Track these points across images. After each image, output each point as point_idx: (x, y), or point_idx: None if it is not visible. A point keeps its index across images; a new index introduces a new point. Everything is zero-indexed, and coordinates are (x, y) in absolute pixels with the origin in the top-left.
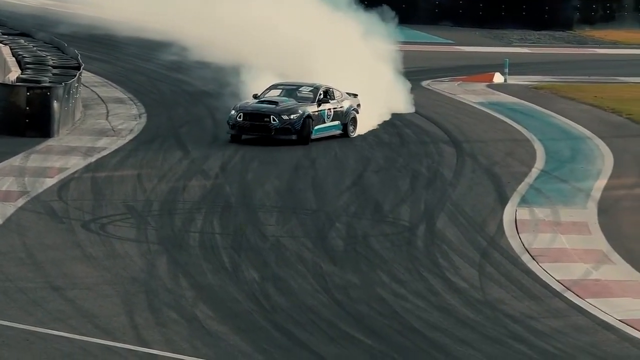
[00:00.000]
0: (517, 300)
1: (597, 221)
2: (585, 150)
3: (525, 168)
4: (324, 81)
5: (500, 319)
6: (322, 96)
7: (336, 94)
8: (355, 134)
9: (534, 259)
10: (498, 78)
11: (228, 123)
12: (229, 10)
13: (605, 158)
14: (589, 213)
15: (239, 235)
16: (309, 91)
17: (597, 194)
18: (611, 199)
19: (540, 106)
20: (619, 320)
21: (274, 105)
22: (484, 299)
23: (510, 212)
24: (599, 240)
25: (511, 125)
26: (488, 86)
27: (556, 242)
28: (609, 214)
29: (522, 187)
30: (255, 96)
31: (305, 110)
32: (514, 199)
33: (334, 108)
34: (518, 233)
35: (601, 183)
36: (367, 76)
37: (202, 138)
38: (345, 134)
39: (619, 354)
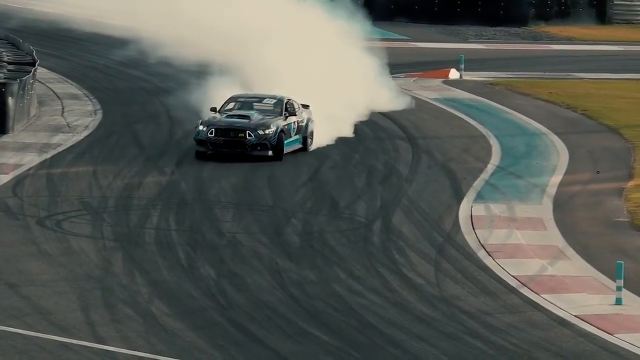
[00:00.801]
0: (473, 296)
1: (553, 217)
2: (540, 146)
3: (480, 164)
4: (287, 88)
5: (456, 315)
6: (287, 109)
7: (295, 106)
8: (312, 148)
9: (489, 254)
10: (454, 74)
11: (196, 139)
12: (191, 5)
13: (560, 154)
14: (545, 209)
15: (195, 232)
16: (273, 104)
17: (552, 189)
18: (566, 195)
19: (496, 102)
20: (574, 315)
21: (246, 120)
22: (440, 295)
23: (466, 208)
24: (554, 236)
25: (467, 122)
26: (444, 82)
27: (512, 238)
28: (564, 209)
29: (478, 183)
30: (214, 109)
31: (278, 124)
32: (470, 195)
33: (297, 121)
34: (474, 229)
35: (556, 179)
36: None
37: (157, 135)
38: (304, 147)
39: (574, 349)
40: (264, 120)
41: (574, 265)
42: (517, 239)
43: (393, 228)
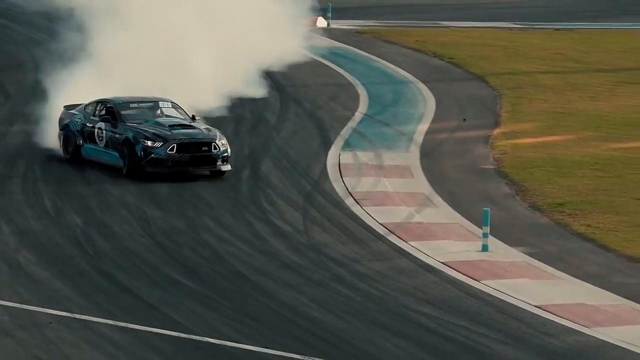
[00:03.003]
0: (341, 244)
1: (420, 165)
2: (407, 94)
3: (348, 112)
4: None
5: (324, 262)
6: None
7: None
8: None
9: (357, 202)
10: (321, 22)
11: (151, 160)
12: None
13: (427, 102)
14: (412, 157)
15: (62, 181)
16: (172, 107)
17: (419, 137)
18: (433, 143)
19: (364, 50)
20: (441, 262)
21: (198, 130)
22: (308, 243)
23: (334, 156)
24: (421, 184)
25: (334, 70)
26: (311, 31)
27: (379, 185)
28: (431, 157)
29: (346, 131)
30: (70, 108)
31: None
32: (338, 143)
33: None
34: (342, 177)
35: (423, 127)
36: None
37: (24, 83)
38: None
39: (440, 295)
40: (212, 130)
41: (441, 213)
42: (384, 187)
43: (262, 176)
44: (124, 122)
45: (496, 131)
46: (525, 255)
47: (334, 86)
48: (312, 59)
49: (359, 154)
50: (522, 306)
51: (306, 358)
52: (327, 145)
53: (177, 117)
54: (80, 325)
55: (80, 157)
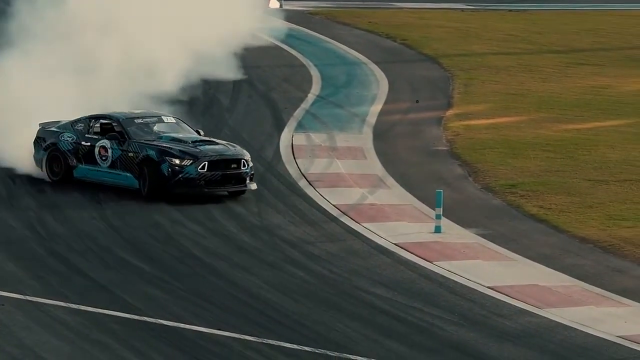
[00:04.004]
0: (294, 226)
1: (373, 146)
2: (360, 76)
3: (301, 93)
4: None
5: (277, 244)
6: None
7: None
8: None
9: (310, 184)
10: (274, 4)
11: (180, 180)
12: None
13: (380, 83)
14: (365, 138)
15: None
16: (175, 122)
17: (372, 119)
18: (386, 124)
19: (316, 32)
20: (394, 243)
21: (223, 146)
22: (261, 225)
23: (287, 137)
24: (374, 165)
25: (287, 51)
26: (264, 12)
27: (332, 167)
28: (384, 138)
29: (299, 113)
30: (75, 130)
31: None
32: (291, 125)
33: None
34: (295, 158)
35: (376, 108)
36: None
37: None
38: None
39: (393, 277)
40: (235, 146)
41: (394, 194)
42: (337, 168)
43: None
44: (134, 140)
45: (449, 113)
46: (478, 237)
47: (287, 68)
48: (265, 40)
49: (312, 135)
50: (474, 287)
51: (259, 339)
52: (280, 127)
53: (185, 133)
54: (33, 307)
55: (72, 178)
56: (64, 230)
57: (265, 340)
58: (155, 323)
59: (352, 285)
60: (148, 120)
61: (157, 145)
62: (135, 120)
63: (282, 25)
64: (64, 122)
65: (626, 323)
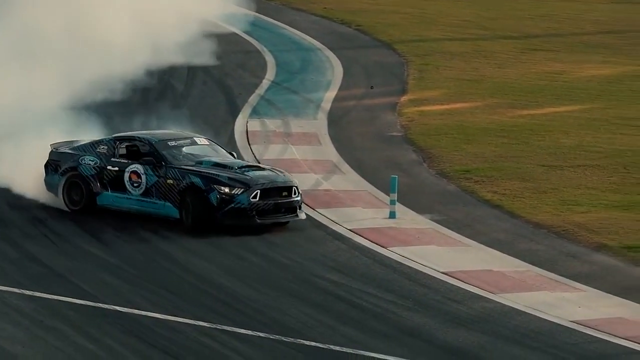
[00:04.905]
0: None
1: (328, 132)
2: (315, 62)
3: (256, 79)
4: None
5: (232, 231)
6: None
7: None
8: None
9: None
10: None
11: (231, 211)
12: None
13: (335, 69)
14: (320, 124)
15: None
16: (208, 144)
17: (327, 105)
18: (341, 110)
19: (271, 18)
20: (348, 229)
21: (272, 172)
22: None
23: (241, 123)
24: (329, 151)
25: (242, 37)
26: None
27: (287, 152)
28: (339, 124)
29: (253, 99)
30: (105, 151)
31: None
32: (246, 111)
33: None
34: (249, 144)
35: (331, 94)
36: None
37: None
38: None
39: (348, 263)
40: (282, 171)
41: (349, 180)
42: (292, 154)
43: None
44: (172, 165)
45: (403, 98)
46: (433, 222)
47: (242, 54)
48: (220, 26)
49: (267, 121)
50: (429, 273)
51: (213, 325)
52: (234, 113)
53: (222, 157)
54: None
55: (95, 207)
56: (19, 217)
57: (220, 326)
58: (110, 309)
59: (307, 271)
60: (181, 142)
61: (202, 172)
62: (169, 143)
63: (238, 12)
64: (80, 143)
65: (580, 308)
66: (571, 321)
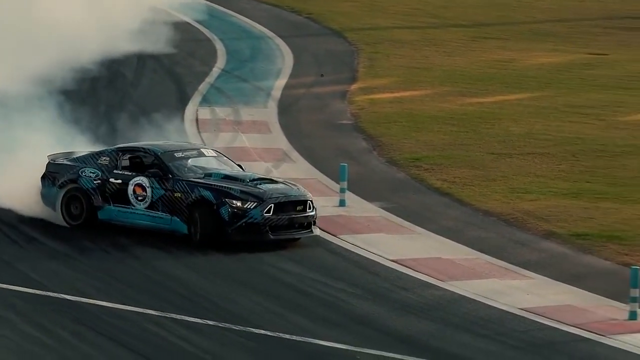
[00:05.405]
0: None
1: (278, 120)
2: (265, 50)
3: (206, 68)
4: None
5: None
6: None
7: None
8: None
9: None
10: None
11: (243, 226)
12: None
13: (285, 57)
14: (270, 112)
15: None
16: (215, 155)
17: (277, 93)
18: (291, 98)
19: (221, 6)
20: None
21: (284, 185)
22: None
23: (191, 111)
24: (279, 139)
25: (192, 25)
26: None
27: (237, 141)
28: (289, 112)
29: (203, 87)
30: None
31: None
32: (195, 99)
33: None
34: (199, 132)
35: (281, 82)
36: None
37: None
38: None
39: (298, 251)
40: (296, 184)
41: (299, 168)
42: (242, 142)
43: (118, 133)
44: (180, 177)
45: (353, 86)
46: (382, 210)
47: (192, 42)
48: (170, 14)
49: (217, 109)
50: (378, 260)
51: (162, 313)
52: (184, 101)
53: (231, 169)
54: None
55: (95, 221)
56: None
57: (168, 314)
58: (59, 297)
59: (256, 259)
60: (188, 154)
61: (212, 185)
62: (176, 154)
63: (189, 0)
64: (79, 154)
65: (528, 295)
66: (520, 309)
